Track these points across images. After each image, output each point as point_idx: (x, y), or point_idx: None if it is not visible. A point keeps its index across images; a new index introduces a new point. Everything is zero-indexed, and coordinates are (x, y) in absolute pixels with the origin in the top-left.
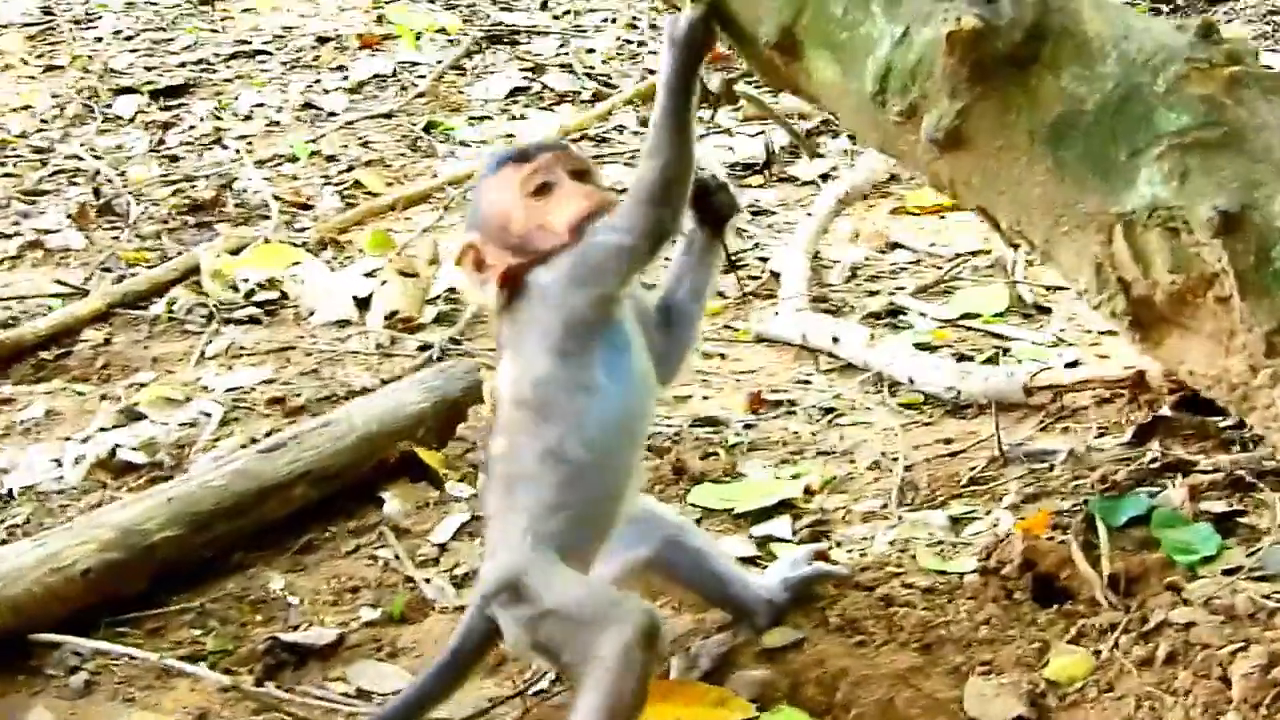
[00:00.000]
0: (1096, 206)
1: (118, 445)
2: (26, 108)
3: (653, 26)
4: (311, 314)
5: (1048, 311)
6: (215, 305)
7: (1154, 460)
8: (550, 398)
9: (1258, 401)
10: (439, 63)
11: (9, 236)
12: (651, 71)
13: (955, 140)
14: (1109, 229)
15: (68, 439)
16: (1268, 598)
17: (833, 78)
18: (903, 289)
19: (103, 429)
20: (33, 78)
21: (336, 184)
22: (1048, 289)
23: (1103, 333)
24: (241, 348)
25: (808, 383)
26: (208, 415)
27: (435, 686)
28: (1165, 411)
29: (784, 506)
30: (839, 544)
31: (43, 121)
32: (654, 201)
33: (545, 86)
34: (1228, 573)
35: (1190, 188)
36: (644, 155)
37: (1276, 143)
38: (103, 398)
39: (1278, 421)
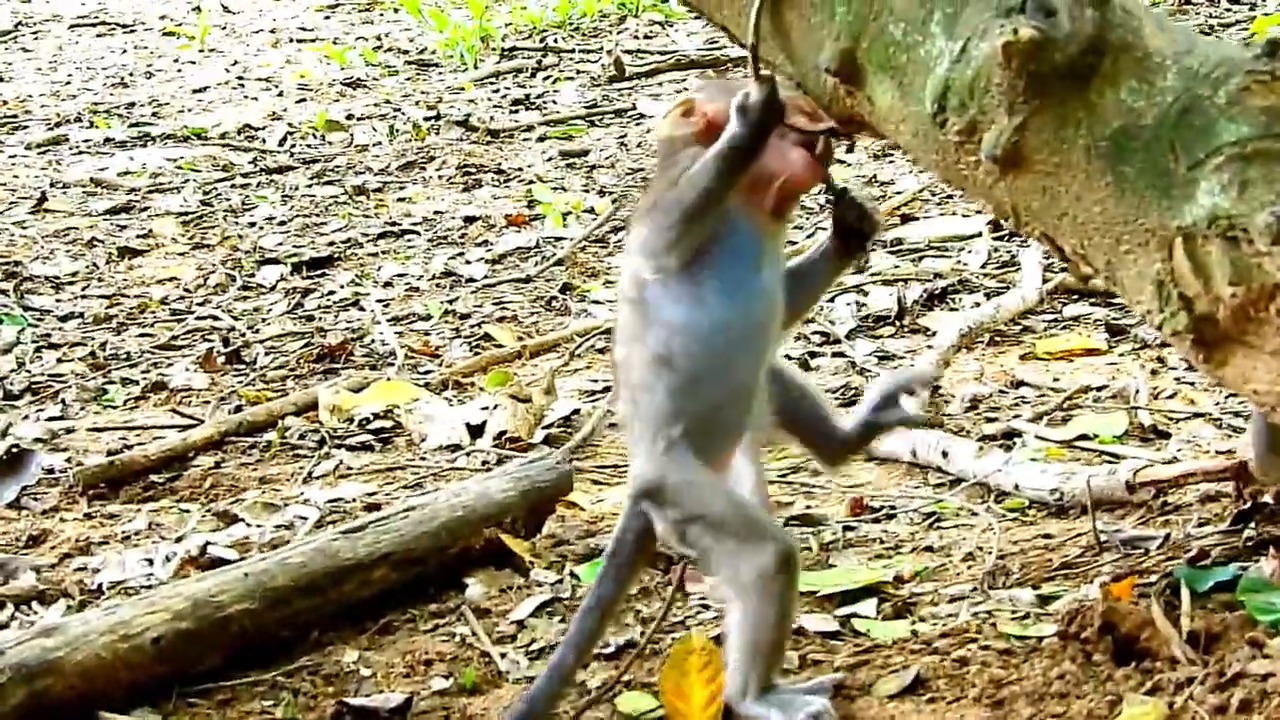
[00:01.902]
0: (1157, 221)
1: (209, 543)
2: (172, 279)
3: (802, 207)
4: (424, 440)
5: (1167, 436)
6: (328, 432)
7: (1249, 540)
8: (654, 299)
9: None
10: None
11: (136, 383)
12: (793, 243)
13: (1014, 158)
14: (1169, 244)
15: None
16: None
17: (893, 102)
18: (1020, 416)
19: (196, 531)
20: (182, 254)
21: (466, 337)
22: (1169, 416)
23: (1220, 452)
24: (349, 468)
25: (913, 493)
26: (304, 519)
27: (605, 586)
28: (1266, 499)
29: (871, 592)
30: (923, 619)
31: (185, 290)
32: (669, 225)
33: None
34: None
35: (1250, 196)
36: (682, 184)
37: None
38: (208, 513)
39: None
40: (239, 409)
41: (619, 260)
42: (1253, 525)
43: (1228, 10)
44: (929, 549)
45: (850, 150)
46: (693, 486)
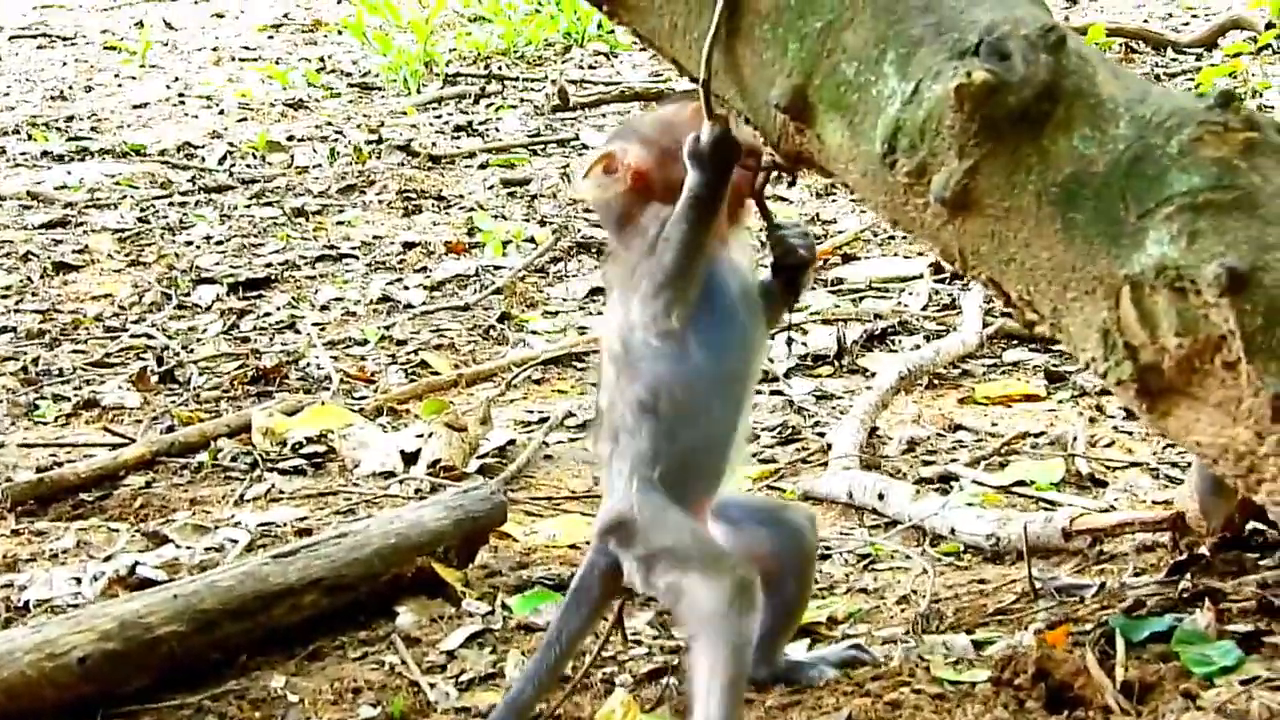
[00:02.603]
0: (1104, 270)
1: (138, 563)
2: (106, 296)
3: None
4: (357, 466)
5: (1104, 484)
6: (260, 455)
7: (1185, 591)
8: (638, 352)
9: (1265, 472)
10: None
11: (68, 399)
12: None
13: (963, 201)
14: (1117, 292)
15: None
16: None
17: (843, 141)
18: (957, 460)
19: (125, 551)
20: (118, 271)
21: (403, 363)
22: (1107, 465)
23: (1157, 503)
24: (281, 492)
25: (848, 534)
26: (234, 542)
27: (569, 621)
28: (1203, 550)
29: (804, 632)
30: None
31: (120, 308)
32: (661, 289)
33: None
34: (1245, 683)
35: (1199, 247)
36: (660, 247)
37: None
38: (137, 533)
39: None
40: (171, 429)
41: (599, 325)
42: (1188, 576)
43: (1173, 59)
44: (863, 591)
45: (792, 185)
46: (660, 522)
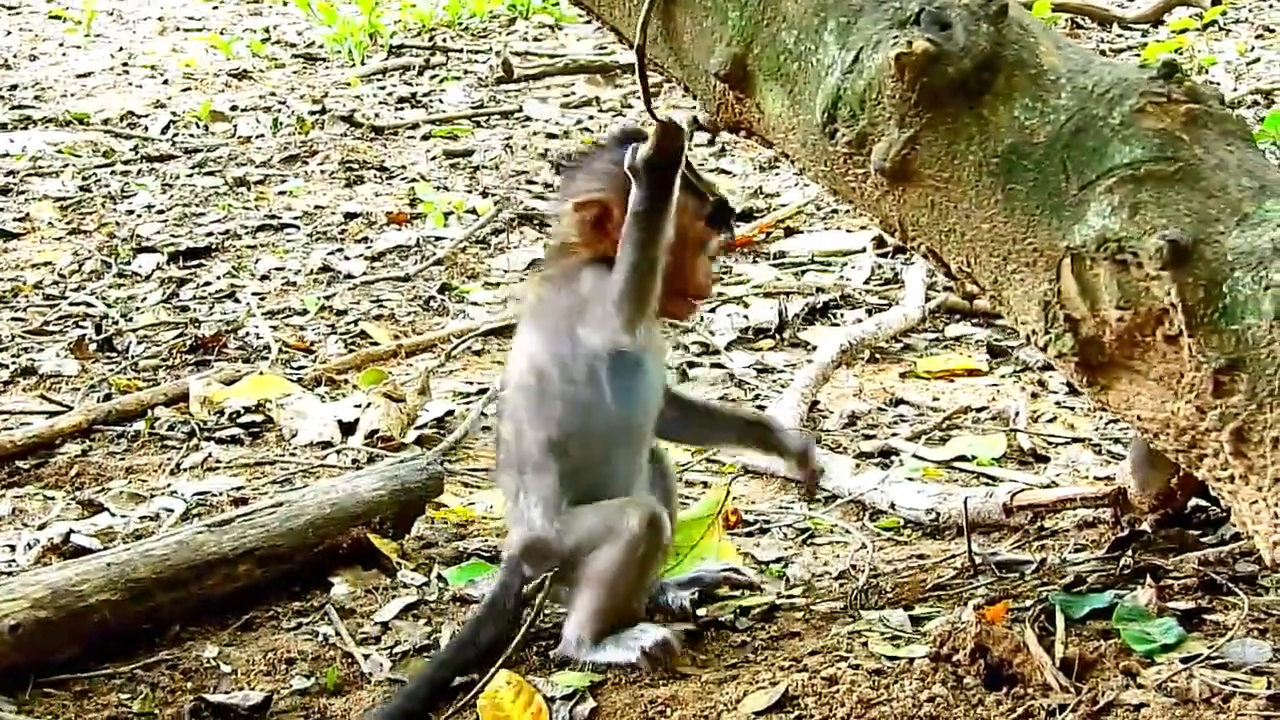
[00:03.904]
0: (1045, 241)
1: (73, 531)
2: (47, 264)
3: None
4: (294, 435)
5: (1045, 460)
6: (198, 424)
7: (1125, 568)
8: (553, 394)
9: (1206, 447)
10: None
11: (5, 366)
12: None
13: (903, 172)
14: (1057, 264)
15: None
16: (1225, 684)
17: (782, 110)
18: (898, 435)
19: (60, 519)
20: (59, 239)
21: (342, 333)
22: (1048, 440)
23: (1099, 478)
24: (218, 461)
25: (787, 509)
26: (170, 511)
27: (482, 632)
28: (1144, 527)
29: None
30: (793, 635)
31: (60, 275)
32: (624, 303)
33: None
34: (1186, 660)
35: (1141, 219)
36: (616, 268)
37: (1232, 181)
38: (73, 501)
39: (1226, 470)
40: (108, 397)
41: (513, 345)
42: (1130, 553)
43: (1119, 35)
44: (803, 564)
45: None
46: (569, 525)
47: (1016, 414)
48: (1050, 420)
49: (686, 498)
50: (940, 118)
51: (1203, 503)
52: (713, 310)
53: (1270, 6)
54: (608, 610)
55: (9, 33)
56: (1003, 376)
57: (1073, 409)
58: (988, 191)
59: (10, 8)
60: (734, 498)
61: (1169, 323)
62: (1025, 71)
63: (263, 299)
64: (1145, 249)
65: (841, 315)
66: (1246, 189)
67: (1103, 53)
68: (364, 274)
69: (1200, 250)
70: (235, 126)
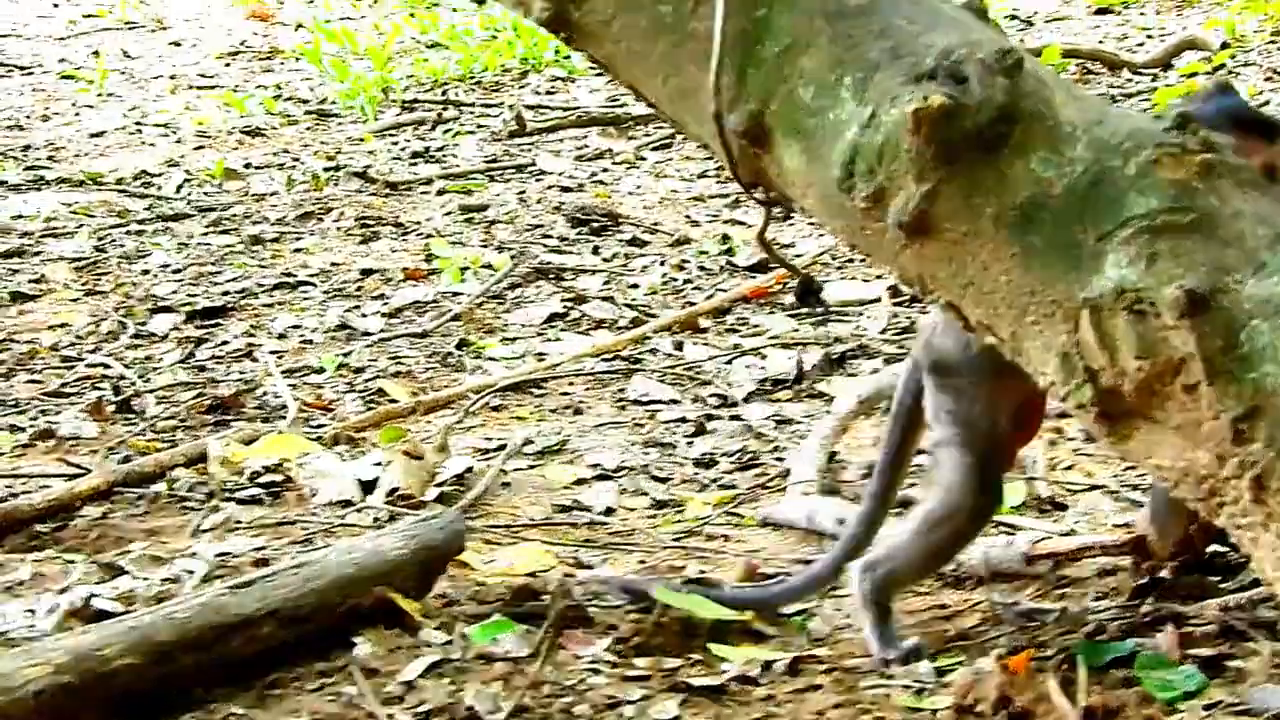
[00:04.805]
0: (1063, 293)
1: (94, 595)
2: (63, 325)
3: (701, 269)
4: (314, 495)
5: (1064, 508)
6: (217, 485)
7: (1146, 615)
8: None
9: (1226, 495)
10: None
11: (23, 430)
12: (692, 303)
13: (922, 225)
14: (1076, 316)
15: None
16: None
17: (801, 166)
18: (917, 485)
19: (81, 583)
20: (74, 300)
21: (360, 391)
22: (1067, 488)
23: (1118, 526)
24: (238, 522)
25: (808, 561)
26: (191, 573)
27: (890, 444)
28: (1164, 574)
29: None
30: (818, 687)
31: (76, 337)
32: None
33: (584, 315)
34: (1208, 708)
35: (1158, 269)
36: None
37: (1248, 230)
38: (93, 564)
39: (1246, 517)
40: (127, 459)
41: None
42: (1150, 600)
43: (1129, 80)
44: (825, 617)
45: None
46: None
47: (1034, 462)
48: (1068, 468)
49: (705, 552)
50: (957, 171)
51: (1222, 549)
52: (729, 362)
53: (1278, 47)
54: (918, 562)
55: (22, 93)
56: None
57: (1091, 456)
58: (1006, 244)
59: (23, 68)
60: (752, 551)
61: (1187, 372)
62: (1042, 124)
63: (280, 358)
64: (1163, 299)
65: (859, 365)
66: (1262, 237)
67: (1113, 98)
68: (381, 331)
69: (1218, 299)
70: (249, 184)
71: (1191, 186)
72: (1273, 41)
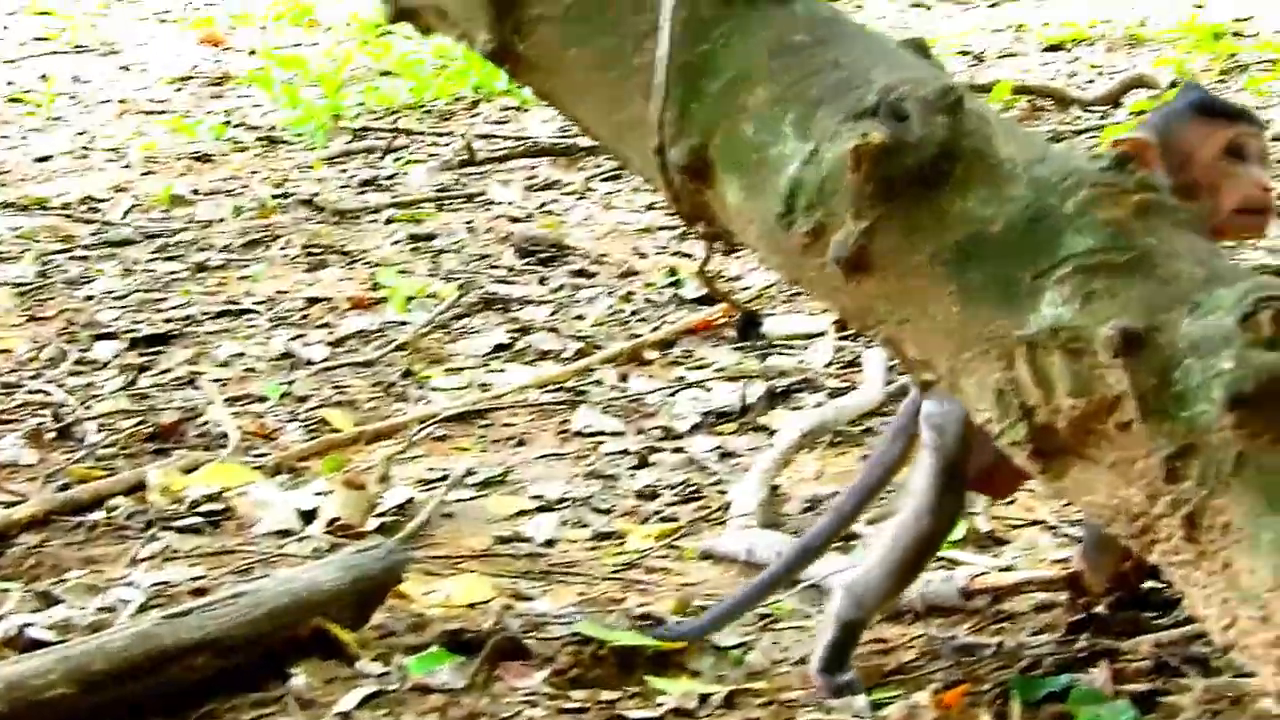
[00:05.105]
0: (1000, 330)
1: (28, 624)
2: (4, 351)
3: (648, 301)
4: (254, 524)
5: (1004, 543)
6: (157, 513)
7: (1082, 650)
8: None
9: (1158, 533)
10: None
11: None
12: (638, 335)
13: (860, 262)
14: (1012, 353)
15: None
16: None
17: (742, 201)
18: (859, 519)
19: (15, 612)
20: (16, 326)
21: (303, 420)
22: (1007, 523)
23: (1056, 561)
24: (177, 551)
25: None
26: (127, 602)
27: (888, 453)
28: (1100, 609)
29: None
30: None
31: (18, 363)
32: None
33: (529, 345)
34: None
35: (1094, 308)
36: None
37: (1183, 270)
38: (29, 593)
39: (1178, 555)
40: (66, 487)
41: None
42: (1085, 636)
43: (1078, 117)
44: (763, 650)
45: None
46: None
47: (975, 497)
48: (1009, 503)
49: (645, 584)
50: (897, 208)
51: (1158, 585)
52: (674, 394)
53: (1225, 85)
54: (890, 580)
55: None
56: None
57: (1030, 492)
58: (944, 281)
59: None
60: (692, 584)
61: (1121, 410)
62: (982, 162)
63: (223, 386)
64: (1098, 338)
65: (803, 399)
66: (1197, 277)
67: (1062, 135)
68: (325, 360)
69: (1152, 338)
70: (196, 210)
71: (1128, 226)
72: (1221, 80)
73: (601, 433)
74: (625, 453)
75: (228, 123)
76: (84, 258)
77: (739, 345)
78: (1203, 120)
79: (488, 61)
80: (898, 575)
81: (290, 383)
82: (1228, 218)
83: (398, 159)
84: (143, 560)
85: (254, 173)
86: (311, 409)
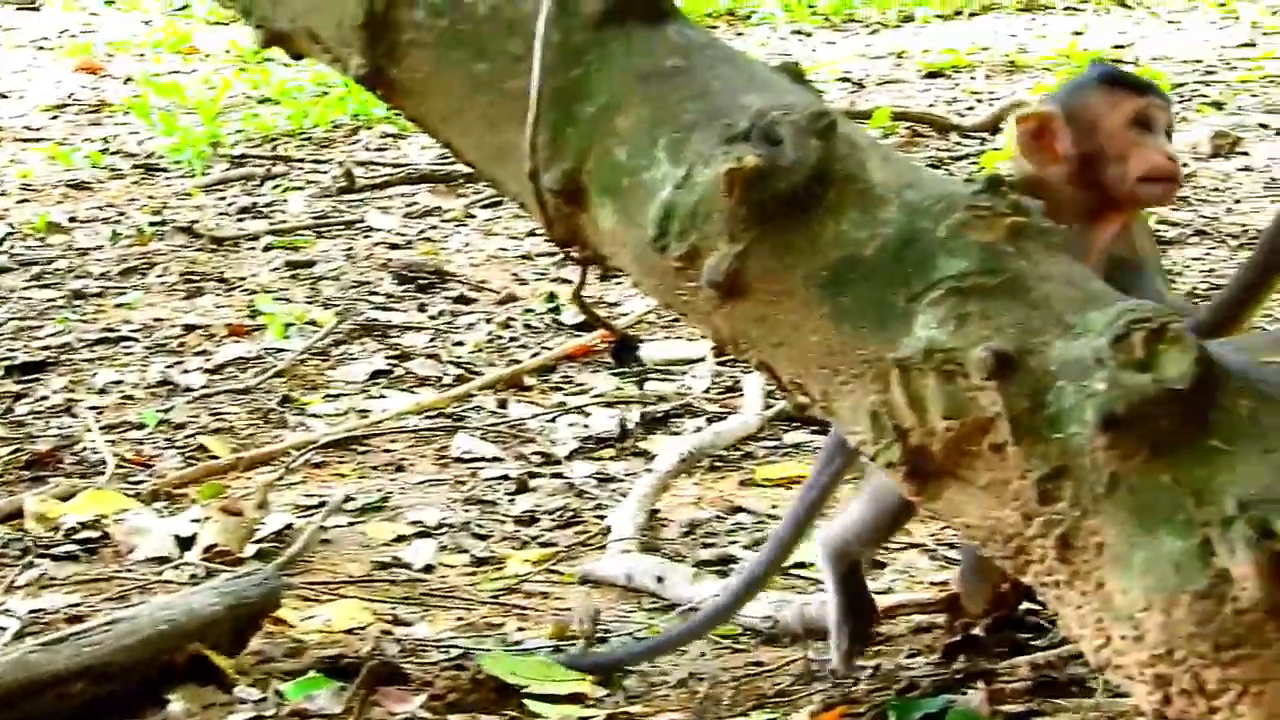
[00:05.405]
0: (874, 353)
1: None
2: None
3: (527, 326)
4: (131, 551)
5: (882, 566)
6: (33, 541)
7: (959, 672)
8: None
9: (1033, 554)
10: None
11: None
12: (517, 361)
13: (734, 285)
14: (886, 375)
15: None
16: None
17: (615, 225)
18: (737, 543)
19: None
20: None
21: (181, 447)
22: (885, 547)
23: (934, 584)
24: (53, 578)
25: (627, 618)
26: (2, 629)
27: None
28: (977, 631)
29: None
30: None
31: None
32: None
33: (409, 372)
34: None
35: (967, 330)
36: None
37: (1056, 292)
38: None
39: (1052, 576)
40: None
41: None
42: (963, 657)
43: (958, 144)
44: (641, 674)
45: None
46: None
47: None
48: None
49: (524, 609)
50: (770, 232)
51: (1034, 606)
52: (553, 420)
53: None
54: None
55: None
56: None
57: None
58: (817, 304)
59: None
60: (570, 609)
61: (995, 432)
62: (854, 186)
63: (100, 413)
64: (971, 360)
65: (682, 424)
66: (1070, 299)
67: (942, 161)
68: (204, 387)
69: (1025, 361)
70: (73, 238)
71: (1000, 249)
72: None
73: (480, 458)
74: (504, 478)
75: (105, 150)
76: None
77: (618, 370)
78: (1110, 90)
79: (361, 86)
80: (877, 527)
81: (168, 410)
82: (1133, 186)
83: (276, 186)
84: (19, 588)
85: (131, 200)
86: (189, 436)
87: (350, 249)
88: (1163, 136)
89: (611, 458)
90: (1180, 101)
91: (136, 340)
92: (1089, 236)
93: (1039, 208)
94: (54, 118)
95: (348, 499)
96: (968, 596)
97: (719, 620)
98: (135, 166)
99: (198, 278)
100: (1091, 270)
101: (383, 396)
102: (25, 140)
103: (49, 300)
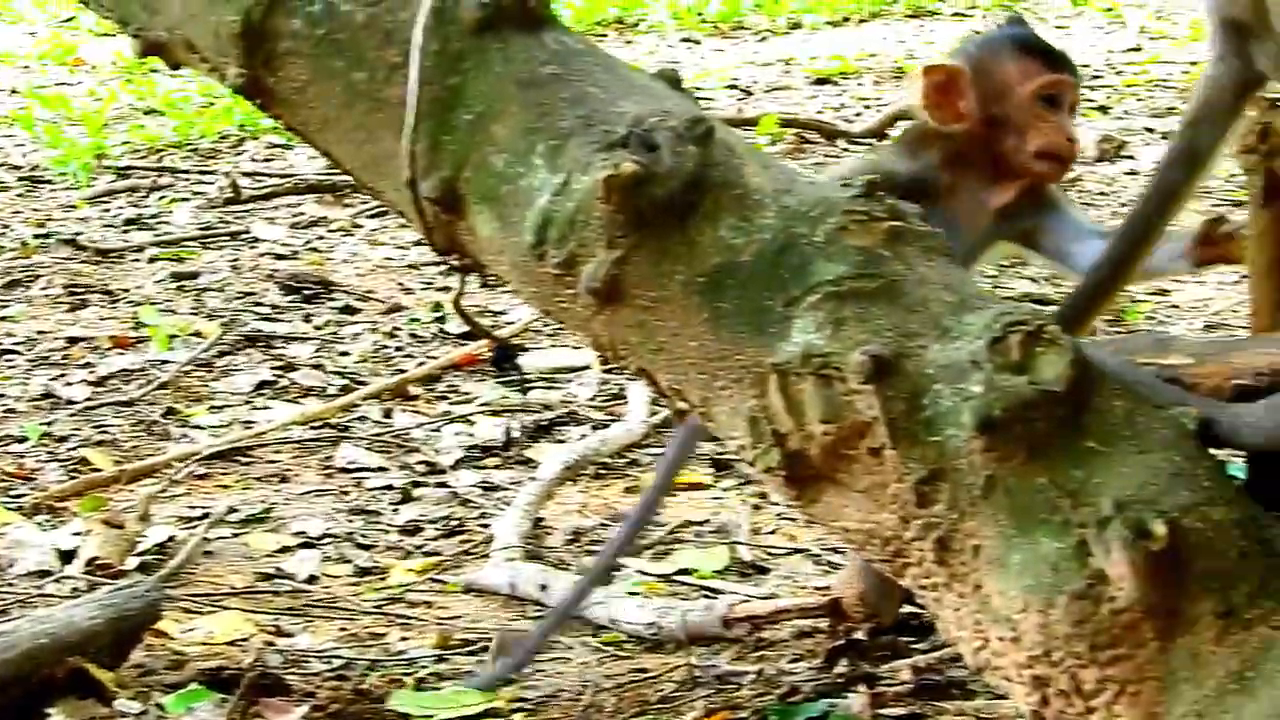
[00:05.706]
0: (752, 358)
1: None
2: None
3: (413, 336)
4: (11, 565)
5: (766, 571)
6: None
7: (840, 676)
8: None
9: (910, 557)
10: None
11: None
12: (403, 371)
13: (613, 291)
14: (764, 380)
15: None
16: None
17: (494, 233)
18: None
19: None
20: None
21: (63, 460)
22: (769, 552)
23: (818, 589)
24: None
25: (509, 627)
26: None
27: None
28: (859, 636)
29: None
30: None
31: None
32: None
33: (293, 382)
34: None
35: (844, 335)
36: None
37: (933, 296)
38: None
39: (930, 579)
40: None
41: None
42: (845, 661)
43: (846, 150)
44: (525, 684)
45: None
46: None
47: (739, 526)
48: (771, 532)
49: (407, 619)
50: (648, 238)
51: (916, 610)
52: (438, 429)
53: None
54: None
55: None
56: (726, 490)
57: (793, 520)
58: (695, 310)
59: None
60: (454, 618)
61: (872, 435)
62: (731, 192)
63: None
64: (848, 364)
65: (567, 432)
66: (947, 303)
67: (829, 167)
68: (87, 399)
69: (902, 364)
70: None
71: (878, 253)
72: None
73: (365, 468)
74: (389, 488)
75: None
76: None
77: (502, 379)
78: (1022, 58)
79: (239, 96)
80: None
81: (50, 423)
82: (1028, 159)
83: (162, 198)
84: None
85: (15, 212)
86: (72, 449)
87: (236, 260)
88: (1066, 114)
89: (496, 466)
90: None
91: (19, 353)
92: (989, 193)
93: (917, 212)
94: None
95: (231, 510)
96: (878, 604)
97: (578, 602)
98: (19, 179)
99: (82, 290)
100: (989, 226)
101: (267, 407)
102: None
103: None
